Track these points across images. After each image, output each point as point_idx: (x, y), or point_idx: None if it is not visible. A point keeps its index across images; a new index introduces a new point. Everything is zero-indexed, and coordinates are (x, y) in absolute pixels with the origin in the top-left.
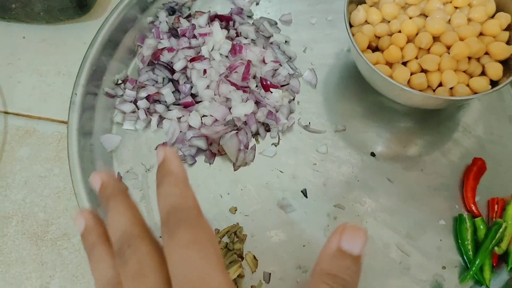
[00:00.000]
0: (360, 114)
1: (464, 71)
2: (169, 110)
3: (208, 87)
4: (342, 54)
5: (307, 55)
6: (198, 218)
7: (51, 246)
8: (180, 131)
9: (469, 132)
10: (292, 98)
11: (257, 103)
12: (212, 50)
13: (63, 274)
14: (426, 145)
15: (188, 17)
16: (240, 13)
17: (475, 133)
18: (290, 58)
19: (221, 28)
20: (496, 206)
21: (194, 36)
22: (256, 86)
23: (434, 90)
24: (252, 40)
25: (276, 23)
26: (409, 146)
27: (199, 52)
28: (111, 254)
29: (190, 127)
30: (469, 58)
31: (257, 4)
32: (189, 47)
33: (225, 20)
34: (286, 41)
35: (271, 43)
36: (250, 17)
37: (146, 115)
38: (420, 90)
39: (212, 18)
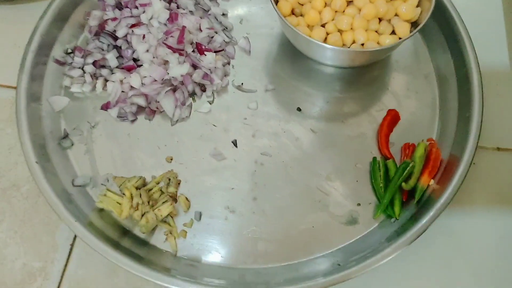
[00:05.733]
0: (289, 76)
1: (376, 31)
2: (112, 73)
3: (147, 51)
4: (275, 25)
5: (243, 26)
6: None
7: (1, 195)
8: (122, 91)
9: (387, 89)
10: (227, 62)
11: (194, 66)
12: (151, 18)
13: (12, 219)
14: (348, 100)
15: None
16: None
17: (392, 89)
18: (226, 28)
19: (163, 0)
20: (407, 150)
21: (136, 7)
22: (193, 51)
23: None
24: (190, 11)
25: None
26: (332, 101)
27: (140, 21)
28: None
29: (131, 87)
30: (381, 19)
31: None
32: (131, 16)
33: None
34: (223, 14)
35: (209, 14)
36: None
37: (92, 78)
38: None
39: None
